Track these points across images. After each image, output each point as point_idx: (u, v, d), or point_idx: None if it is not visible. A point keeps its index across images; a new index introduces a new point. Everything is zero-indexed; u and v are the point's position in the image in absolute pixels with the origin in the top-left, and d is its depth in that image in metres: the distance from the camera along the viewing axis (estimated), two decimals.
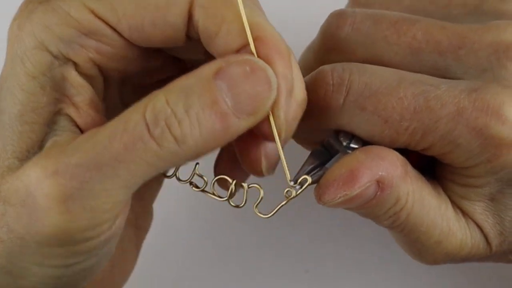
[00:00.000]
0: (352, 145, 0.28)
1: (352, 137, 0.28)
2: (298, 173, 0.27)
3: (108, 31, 0.24)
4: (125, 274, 0.33)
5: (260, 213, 0.26)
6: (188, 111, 0.23)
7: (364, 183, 0.26)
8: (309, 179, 0.26)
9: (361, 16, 0.29)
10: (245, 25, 0.23)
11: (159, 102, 0.23)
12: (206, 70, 0.23)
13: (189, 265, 0.41)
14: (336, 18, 0.29)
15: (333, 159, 0.27)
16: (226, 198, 0.26)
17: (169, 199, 0.41)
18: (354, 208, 0.27)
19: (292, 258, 0.41)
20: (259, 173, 0.27)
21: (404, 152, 0.27)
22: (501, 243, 0.29)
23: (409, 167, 0.27)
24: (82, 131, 0.25)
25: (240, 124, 0.24)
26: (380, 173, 0.26)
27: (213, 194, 0.27)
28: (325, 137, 0.28)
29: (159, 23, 0.24)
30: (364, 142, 0.28)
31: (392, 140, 0.27)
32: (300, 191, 0.26)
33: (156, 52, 0.27)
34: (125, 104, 0.29)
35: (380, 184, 0.26)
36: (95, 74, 0.26)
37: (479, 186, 0.28)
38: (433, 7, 0.30)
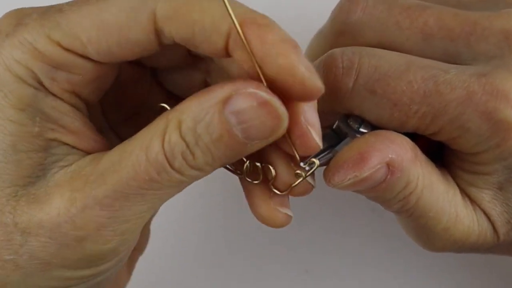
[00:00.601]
0: (362, 130, 0.28)
1: (362, 121, 0.28)
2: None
3: (77, 60, 0.24)
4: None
5: (275, 189, 0.26)
6: (198, 143, 0.23)
7: (374, 165, 0.26)
8: (317, 162, 0.26)
9: (373, 1, 0.29)
10: (235, 24, 0.22)
11: (174, 134, 0.23)
12: (216, 97, 0.23)
13: (189, 264, 0.42)
14: (348, 2, 0.30)
15: (342, 143, 0.27)
16: (243, 175, 0.27)
17: (170, 199, 0.41)
18: (363, 191, 0.27)
19: (292, 258, 0.41)
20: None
21: (413, 137, 0.28)
22: (508, 232, 0.29)
23: (419, 152, 0.27)
24: (84, 151, 0.25)
25: (253, 147, 0.24)
26: (390, 156, 0.26)
27: (231, 169, 0.27)
28: (334, 121, 0.29)
29: (124, 43, 0.24)
30: (373, 127, 0.28)
31: (401, 124, 0.27)
32: (309, 173, 0.26)
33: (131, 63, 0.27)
34: (108, 111, 0.29)
35: (390, 167, 0.26)
36: (75, 101, 0.25)
37: (487, 173, 0.28)
38: None
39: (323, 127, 0.29)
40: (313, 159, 0.26)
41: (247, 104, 0.22)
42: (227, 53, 0.23)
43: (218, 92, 0.23)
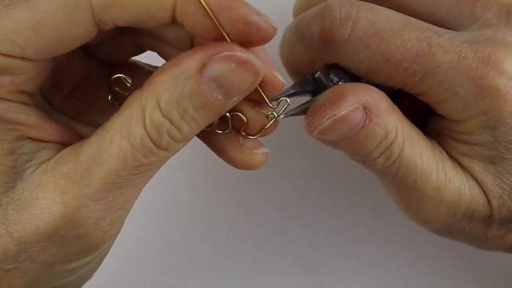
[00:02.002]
0: (341, 84, 0.28)
1: (343, 75, 0.29)
2: (280, 95, 0.28)
3: (17, 62, 0.24)
4: None
5: (244, 132, 0.27)
6: (183, 116, 0.24)
7: (351, 103, 0.26)
8: (287, 100, 0.27)
9: None
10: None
11: (155, 114, 0.23)
12: (191, 67, 0.23)
13: (188, 264, 0.42)
14: None
15: (320, 95, 0.28)
16: (213, 127, 0.27)
17: (169, 198, 0.41)
18: (345, 143, 0.27)
19: (291, 257, 0.41)
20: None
21: (397, 103, 0.28)
22: (500, 207, 0.29)
23: (396, 107, 0.28)
24: (51, 143, 0.25)
25: (233, 104, 0.24)
26: (366, 98, 0.26)
27: None
28: (315, 71, 0.29)
29: (64, 39, 0.24)
30: (354, 81, 0.28)
31: (390, 78, 0.27)
32: (282, 111, 0.27)
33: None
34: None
35: (367, 111, 0.26)
36: (22, 97, 0.25)
37: (476, 143, 0.28)
38: None
39: (304, 75, 0.30)
40: (283, 98, 0.27)
41: (225, 68, 0.23)
42: (173, 23, 0.24)
43: (190, 62, 0.23)
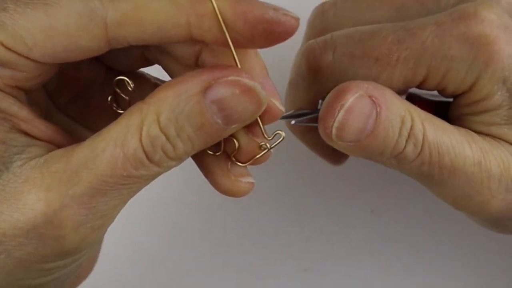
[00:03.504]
0: None
1: None
2: (287, 114, 0.29)
3: (21, 60, 0.24)
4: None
5: (236, 160, 0.27)
6: (180, 134, 0.23)
7: (354, 91, 0.26)
8: (283, 134, 0.26)
9: (341, 0, 0.31)
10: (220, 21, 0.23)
11: (153, 127, 0.23)
12: (195, 86, 0.23)
13: (188, 264, 0.42)
14: (320, 7, 0.32)
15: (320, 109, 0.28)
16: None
17: (169, 198, 0.41)
18: (366, 137, 0.27)
19: (291, 257, 0.41)
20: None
21: None
22: None
23: (399, 96, 0.28)
24: (43, 141, 0.25)
25: (232, 130, 0.24)
26: (366, 86, 0.26)
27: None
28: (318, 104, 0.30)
29: (73, 49, 0.24)
30: None
31: (389, 78, 0.28)
32: (274, 145, 0.26)
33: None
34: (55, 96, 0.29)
35: (374, 99, 0.26)
36: (18, 93, 0.25)
37: (497, 106, 0.28)
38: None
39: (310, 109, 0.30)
40: (279, 131, 0.27)
41: (229, 93, 0.23)
42: (191, 39, 0.24)
43: (196, 82, 0.23)
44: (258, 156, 0.26)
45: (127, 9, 0.23)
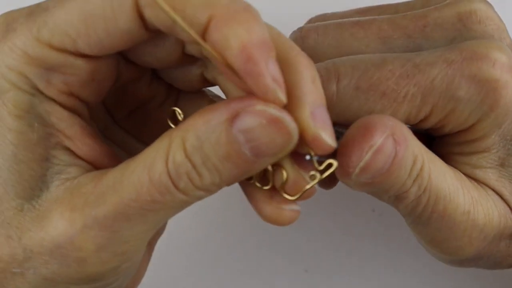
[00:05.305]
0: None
1: (344, 128, 0.27)
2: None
3: (69, 58, 0.24)
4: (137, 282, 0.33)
5: (286, 194, 0.25)
6: (205, 162, 0.22)
7: (382, 131, 0.25)
8: (335, 163, 0.24)
9: (323, 25, 0.30)
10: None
11: (178, 153, 0.22)
12: (222, 114, 0.22)
13: (188, 264, 0.42)
14: (299, 31, 0.30)
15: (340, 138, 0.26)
16: (253, 180, 0.25)
17: None
18: (379, 175, 0.25)
19: (292, 258, 0.41)
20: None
21: None
22: None
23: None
24: (85, 161, 0.25)
25: (262, 164, 0.23)
26: (390, 123, 0.25)
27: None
28: None
29: (113, 32, 0.23)
30: None
31: (393, 114, 0.27)
32: (327, 173, 0.25)
33: (129, 64, 0.27)
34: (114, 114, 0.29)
35: (395, 137, 0.25)
36: (74, 103, 0.25)
37: (487, 149, 0.28)
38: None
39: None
40: (331, 160, 0.25)
41: (256, 122, 0.22)
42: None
43: (224, 110, 0.22)
44: (308, 186, 0.24)
45: None
